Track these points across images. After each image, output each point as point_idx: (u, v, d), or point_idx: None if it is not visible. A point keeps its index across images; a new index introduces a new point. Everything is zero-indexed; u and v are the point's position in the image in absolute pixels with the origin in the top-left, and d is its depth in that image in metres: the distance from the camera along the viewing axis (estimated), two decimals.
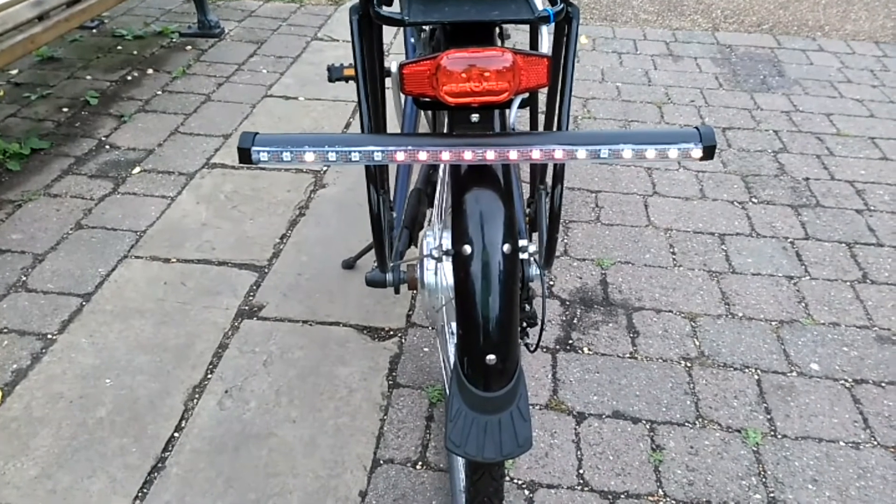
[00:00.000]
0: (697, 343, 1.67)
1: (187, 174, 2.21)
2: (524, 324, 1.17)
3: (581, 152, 0.77)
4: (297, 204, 2.08)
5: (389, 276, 1.15)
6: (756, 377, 1.58)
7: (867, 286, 1.85)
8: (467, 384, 0.85)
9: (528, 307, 1.16)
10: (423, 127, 1.70)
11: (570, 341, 1.66)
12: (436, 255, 0.97)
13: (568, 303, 1.77)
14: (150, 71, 2.88)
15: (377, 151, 0.76)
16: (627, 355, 1.63)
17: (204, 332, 1.63)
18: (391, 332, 1.65)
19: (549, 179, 1.06)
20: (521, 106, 0.94)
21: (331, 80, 1.52)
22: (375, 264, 1.08)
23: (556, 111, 0.94)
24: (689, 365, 1.61)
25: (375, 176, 0.93)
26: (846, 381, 1.57)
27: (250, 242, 1.92)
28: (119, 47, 3.08)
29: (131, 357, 1.56)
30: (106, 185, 2.14)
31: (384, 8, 0.84)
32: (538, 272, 1.12)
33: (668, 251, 1.97)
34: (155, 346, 1.59)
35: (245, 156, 0.77)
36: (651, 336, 1.69)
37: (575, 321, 1.72)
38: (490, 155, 0.77)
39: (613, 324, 1.72)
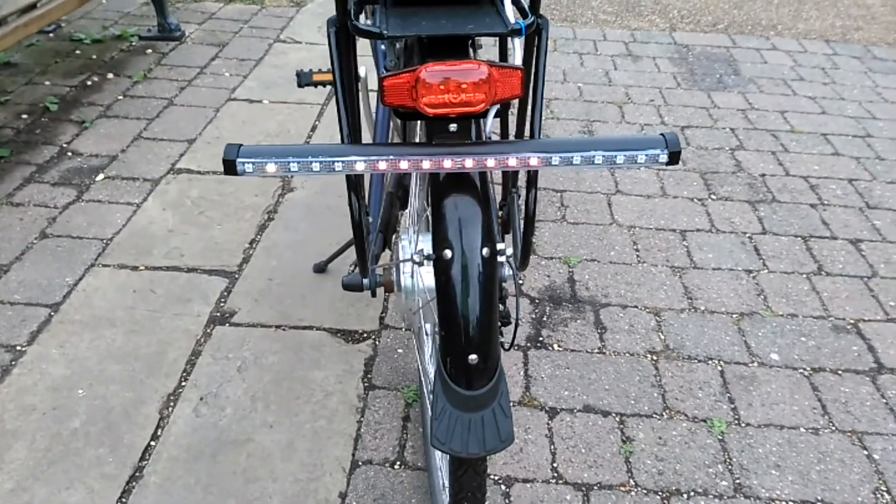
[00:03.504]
0: (662, 337, 1.72)
1: (152, 180, 2.20)
2: (498, 323, 1.20)
3: (555, 159, 0.80)
4: (266, 208, 2.09)
5: (366, 280, 1.17)
6: (719, 368, 1.63)
7: (822, 278, 1.93)
8: (451, 383, 0.88)
9: (501, 307, 1.19)
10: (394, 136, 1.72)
11: (541, 338, 1.70)
12: (416, 260, 1.00)
13: (537, 301, 1.81)
14: (110, 75, 2.84)
15: (360, 161, 0.79)
16: (596, 350, 1.67)
17: (176, 340, 1.63)
18: (365, 335, 1.67)
19: (522, 183, 1.09)
20: (497, 116, 0.97)
21: (300, 85, 1.53)
22: (352, 268, 1.10)
23: (529, 119, 0.98)
24: (655, 358, 1.66)
25: (356, 183, 0.95)
26: (805, 369, 1.64)
27: (219, 248, 1.92)
28: (77, 52, 3.03)
29: (103, 367, 1.55)
30: (69, 193, 2.12)
31: (361, 21, 0.86)
32: (511, 272, 1.16)
33: (632, 248, 2.02)
34: (127, 356, 1.58)
35: (230, 167, 0.78)
36: (618, 331, 1.73)
37: (545, 319, 1.76)
38: (469, 163, 0.80)
39: (581, 320, 1.76)
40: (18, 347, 1.59)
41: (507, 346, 1.23)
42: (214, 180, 2.21)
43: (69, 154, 2.31)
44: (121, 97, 2.68)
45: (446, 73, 0.78)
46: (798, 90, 2.99)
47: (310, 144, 0.81)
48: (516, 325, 1.11)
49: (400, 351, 1.63)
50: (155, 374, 1.54)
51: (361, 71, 1.65)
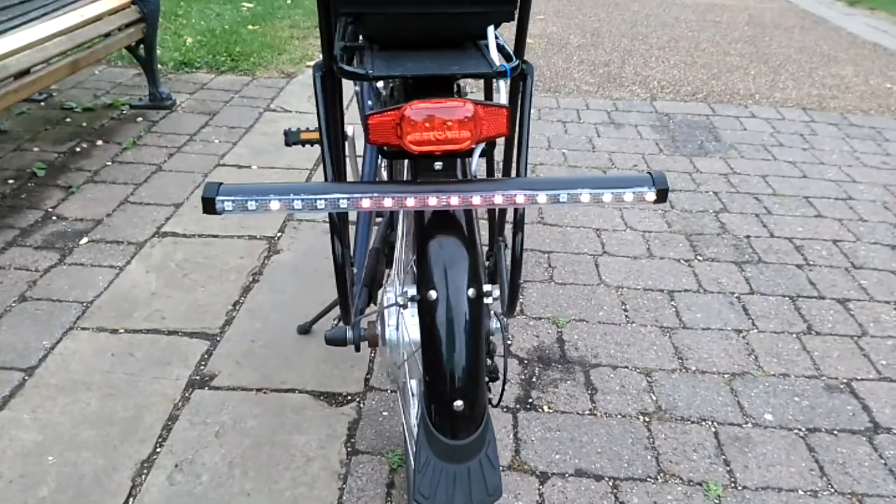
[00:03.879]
0: (654, 398, 1.68)
1: (137, 243, 2.18)
2: (486, 378, 1.17)
3: (542, 196, 0.79)
4: (251, 270, 2.07)
5: (350, 334, 1.15)
6: (713, 429, 1.59)
7: (812, 337, 1.91)
8: (435, 432, 0.84)
9: (489, 361, 1.16)
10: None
11: (530, 400, 1.66)
12: (401, 302, 0.97)
13: (526, 361, 1.78)
14: (99, 142, 2.86)
15: (343, 199, 0.78)
16: (587, 412, 1.63)
17: (153, 404, 1.58)
18: (349, 397, 1.63)
19: (508, 230, 1.08)
20: (483, 155, 0.97)
21: (287, 143, 1.54)
22: (335, 323, 1.08)
23: (515, 159, 0.98)
24: (647, 420, 1.62)
25: (339, 228, 0.94)
26: (800, 430, 1.60)
27: (202, 310, 1.89)
28: (68, 119, 3.06)
29: (76, 432, 1.49)
30: (52, 256, 2.09)
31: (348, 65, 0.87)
32: (498, 325, 1.13)
33: (621, 308, 2.00)
34: (101, 421, 1.53)
35: (209, 205, 0.77)
36: (609, 392, 1.70)
37: (534, 379, 1.72)
38: (454, 200, 0.79)
39: (572, 381, 1.73)
40: None
41: (494, 401, 1.19)
42: (200, 243, 2.19)
43: (54, 218, 2.30)
44: (109, 163, 2.69)
45: (431, 110, 0.78)
46: (778, 155, 3.05)
47: (292, 182, 0.80)
48: (504, 380, 1.08)
49: (385, 414, 1.59)
50: (129, 440, 1.48)
51: (349, 130, 1.67)
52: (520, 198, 0.79)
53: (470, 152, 0.87)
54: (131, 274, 2.03)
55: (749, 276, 2.17)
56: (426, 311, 0.86)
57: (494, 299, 0.99)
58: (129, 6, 2.97)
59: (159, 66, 3.52)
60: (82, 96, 3.31)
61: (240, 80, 3.70)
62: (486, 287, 0.91)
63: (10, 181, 2.51)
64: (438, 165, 0.87)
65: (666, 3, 6.07)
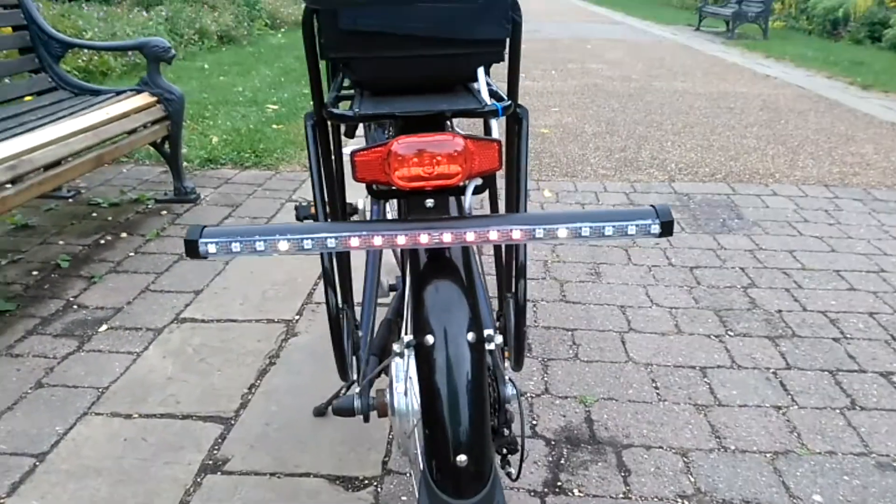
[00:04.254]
0: (692, 479, 1.58)
1: (155, 329, 2.16)
2: (504, 450, 1.10)
3: (539, 231, 0.76)
4: (268, 353, 2.03)
5: (358, 403, 1.09)
6: None
7: (857, 413, 1.80)
8: (437, 490, 0.77)
9: (506, 432, 1.09)
10: None
11: (559, 483, 1.56)
12: (397, 350, 0.92)
13: (553, 442, 1.69)
14: (123, 234, 2.90)
15: (330, 238, 0.74)
16: (621, 496, 1.53)
17: (164, 490, 1.51)
18: (366, 481, 1.54)
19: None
20: (477, 192, 0.94)
21: (298, 218, 1.53)
22: (344, 391, 1.03)
23: (514, 197, 0.94)
24: (686, 503, 1.51)
25: (332, 277, 0.91)
26: None
27: (217, 394, 1.84)
28: (94, 214, 3.12)
29: None
30: (70, 344, 2.08)
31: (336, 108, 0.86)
32: (514, 392, 1.07)
33: (651, 385, 1.92)
34: None
35: (192, 248, 0.74)
36: (643, 474, 1.60)
37: (562, 461, 1.63)
38: (447, 237, 0.75)
39: (603, 463, 1.63)
40: None
41: (514, 475, 1.12)
42: (217, 328, 2.17)
43: (75, 307, 2.30)
44: (132, 254, 2.72)
45: (419, 144, 0.75)
46: (804, 231, 3.00)
47: (279, 224, 0.77)
48: (522, 451, 1.01)
49: (404, 498, 1.50)
50: None
51: (359, 203, 1.66)
52: (516, 233, 0.75)
53: (462, 190, 0.84)
54: (148, 359, 2.00)
55: (784, 351, 2.08)
56: (423, 358, 0.81)
57: (497, 345, 0.94)
58: (155, 105, 3.08)
59: (185, 163, 3.63)
60: (109, 192, 3.39)
61: (263, 174, 3.79)
62: (488, 331, 0.86)
63: (35, 272, 2.53)
64: (430, 203, 0.84)
65: (679, 93, 6.19)
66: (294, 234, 0.74)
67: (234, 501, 1.48)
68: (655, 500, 1.52)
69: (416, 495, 0.87)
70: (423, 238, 0.75)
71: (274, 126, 4.68)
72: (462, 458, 0.77)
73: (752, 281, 2.54)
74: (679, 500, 1.52)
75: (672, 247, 2.83)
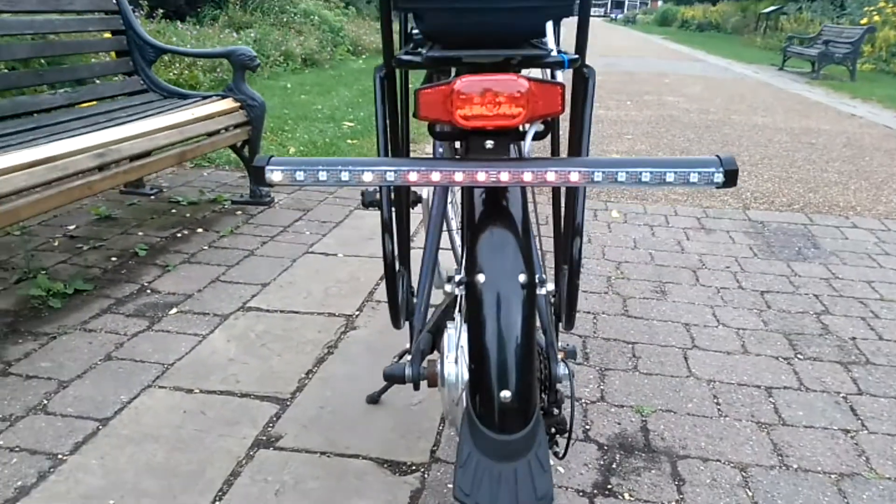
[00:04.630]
0: (750, 493, 1.51)
1: (222, 315, 2.23)
2: (553, 430, 1.09)
3: (598, 175, 0.75)
4: (327, 343, 2.06)
5: (409, 371, 1.10)
6: None
7: None
8: (479, 425, 0.77)
9: (556, 411, 1.08)
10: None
11: (609, 486, 1.52)
12: (449, 290, 0.92)
13: (606, 447, 1.65)
14: (199, 230, 3.02)
15: (390, 171, 0.76)
16: (673, 503, 1.48)
17: (217, 460, 1.55)
18: (413, 467, 1.54)
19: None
20: (537, 138, 0.93)
21: (364, 204, 1.57)
22: (395, 359, 1.04)
23: (577, 144, 0.94)
24: None
25: (390, 225, 0.92)
26: None
27: (275, 377, 1.88)
28: (173, 211, 3.26)
29: (139, 480, 1.47)
30: (141, 324, 2.16)
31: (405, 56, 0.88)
32: (566, 371, 1.06)
33: (713, 401, 1.86)
34: (165, 471, 1.50)
35: (259, 174, 0.77)
36: (698, 484, 1.54)
37: (614, 466, 1.59)
38: (504, 176, 0.75)
39: (656, 470, 1.58)
40: (60, 456, 1.54)
41: (561, 454, 1.10)
42: (281, 317, 2.22)
43: (148, 291, 2.40)
44: (206, 247, 2.82)
45: (483, 83, 0.76)
46: (884, 263, 2.87)
47: (341, 158, 0.79)
48: (570, 431, 1.00)
49: (450, 486, 1.49)
50: (189, 491, 1.45)
51: (423, 192, 1.68)
52: (574, 175, 0.75)
53: (523, 134, 0.85)
54: (213, 342, 2.07)
55: (857, 377, 1.99)
56: (473, 296, 0.81)
57: (549, 292, 0.93)
58: (238, 110, 3.22)
59: None
60: (189, 192, 3.54)
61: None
62: (540, 277, 0.85)
63: (113, 259, 2.66)
64: (489, 144, 0.84)
65: (758, 127, 6.05)
66: (356, 166, 0.77)
67: (283, 475, 1.50)
68: None
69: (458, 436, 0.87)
70: (481, 176, 0.75)
71: (349, 141, 4.81)
72: (506, 393, 0.77)
73: (825, 308, 2.44)
74: None
75: (743, 271, 2.75)
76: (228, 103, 3.20)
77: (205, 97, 3.27)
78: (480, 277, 0.81)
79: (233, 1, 9.96)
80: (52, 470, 1.50)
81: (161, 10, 8.36)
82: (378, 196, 1.56)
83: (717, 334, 2.23)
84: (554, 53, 0.86)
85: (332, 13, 11.65)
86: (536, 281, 0.84)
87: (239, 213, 3.29)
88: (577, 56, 0.87)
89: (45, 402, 1.74)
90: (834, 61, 10.72)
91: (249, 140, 3.33)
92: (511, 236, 0.84)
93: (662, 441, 1.69)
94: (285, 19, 10.11)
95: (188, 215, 3.21)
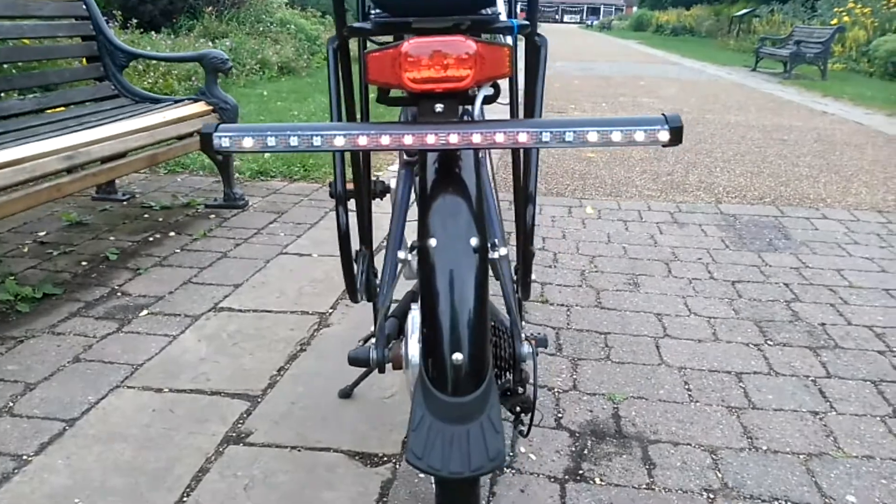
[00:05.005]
0: (720, 475, 1.52)
1: (193, 316, 2.21)
2: (517, 409, 1.09)
3: (546, 135, 0.76)
4: (300, 340, 2.05)
5: (374, 354, 1.10)
6: None
7: None
8: (431, 388, 0.77)
9: (521, 390, 1.08)
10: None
11: (581, 471, 1.53)
12: (401, 257, 0.93)
13: (577, 434, 1.66)
14: (172, 234, 3.00)
15: (339, 136, 0.76)
16: (644, 486, 1.49)
17: (185, 457, 1.53)
18: (385, 458, 1.54)
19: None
20: (487, 102, 0.94)
21: (331, 195, 1.57)
22: (360, 343, 1.04)
23: (531, 106, 0.95)
24: (711, 496, 1.46)
25: (343, 196, 0.92)
26: None
27: (246, 374, 1.87)
28: (146, 215, 3.24)
29: (105, 479, 1.45)
30: (111, 326, 2.14)
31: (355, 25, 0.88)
32: (530, 350, 1.07)
33: (684, 388, 1.87)
34: (133, 469, 1.49)
35: (206, 142, 0.77)
36: (669, 468, 1.55)
37: (585, 452, 1.60)
38: (453, 138, 0.76)
39: (627, 455, 1.59)
40: (25, 457, 1.52)
41: (525, 433, 1.10)
42: (253, 317, 2.21)
43: (118, 294, 2.38)
44: (178, 250, 2.80)
45: (431, 45, 0.77)
46: (853, 252, 2.91)
47: (290, 123, 0.79)
48: (533, 408, 1.00)
49: (421, 476, 1.49)
50: (157, 489, 1.43)
51: (392, 182, 1.68)
52: (522, 136, 0.75)
53: (472, 99, 0.85)
54: (183, 342, 2.05)
55: (825, 361, 2.01)
56: (425, 260, 0.81)
57: (502, 256, 0.93)
58: (210, 113, 3.20)
59: (237, 175, 3.74)
60: (162, 197, 3.52)
61: (311, 186, 3.87)
62: (494, 241, 0.86)
63: (84, 263, 2.63)
64: (439, 107, 0.84)
65: (731, 124, 6.12)
66: (305, 131, 0.76)
67: (252, 470, 1.49)
68: (679, 492, 1.47)
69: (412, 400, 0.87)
70: (430, 139, 0.75)
71: None
72: (458, 356, 0.77)
73: (795, 296, 2.47)
74: (704, 493, 1.46)
75: (714, 262, 2.78)
76: (201, 106, 3.18)
77: (177, 101, 3.25)
78: (432, 242, 0.82)
79: (208, 11, 9.92)
80: (16, 471, 1.47)
81: (135, 21, 8.31)
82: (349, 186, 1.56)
83: (688, 323, 2.24)
84: (503, 19, 0.86)
85: (309, 22, 11.63)
86: (489, 244, 0.85)
87: (212, 216, 3.27)
88: (527, 22, 0.88)
89: (11, 404, 1.72)
90: (805, 61, 10.88)
91: None
92: (463, 201, 0.85)
93: (634, 427, 1.70)
94: (261, 28, 10.08)
95: (161, 219, 3.19)
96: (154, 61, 6.50)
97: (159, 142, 2.82)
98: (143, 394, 1.77)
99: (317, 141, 0.77)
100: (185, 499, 1.41)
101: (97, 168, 2.43)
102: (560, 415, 1.73)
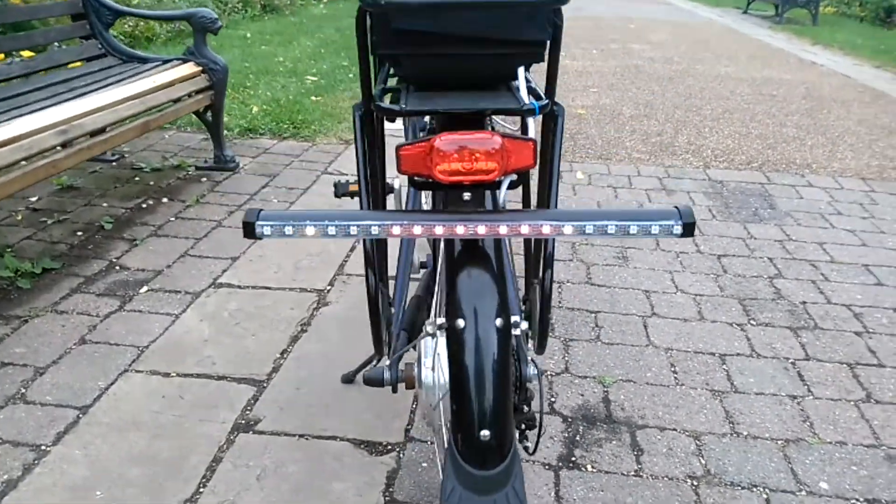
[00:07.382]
0: (703, 461, 1.63)
1: (193, 293, 2.26)
2: (523, 426, 1.16)
3: (567, 228, 0.81)
4: (300, 321, 2.11)
5: (387, 375, 1.16)
6: (764, 496, 1.53)
7: (871, 406, 1.83)
8: (461, 462, 0.84)
9: (526, 409, 1.15)
10: None
11: (574, 458, 1.62)
12: (430, 331, 0.99)
13: (570, 419, 1.75)
14: (164, 200, 3.00)
15: (374, 225, 0.80)
16: (632, 473, 1.59)
17: (198, 446, 1.61)
18: (389, 447, 1.62)
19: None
20: (511, 187, 0.99)
21: (336, 195, 1.60)
22: (375, 364, 1.10)
23: (547, 192, 1.00)
24: (695, 483, 1.56)
25: (373, 260, 0.97)
26: (858, 500, 1.52)
27: (251, 358, 1.93)
28: (137, 178, 3.23)
29: (124, 469, 1.53)
30: (112, 303, 2.18)
31: (385, 102, 0.91)
32: (535, 371, 1.13)
33: (670, 370, 1.96)
34: (148, 459, 1.56)
35: (249, 230, 0.81)
36: (655, 454, 1.65)
37: (577, 438, 1.69)
38: (481, 229, 0.81)
39: (617, 441, 1.68)
40: (43, 447, 1.58)
41: (531, 450, 1.18)
42: (252, 294, 2.26)
43: (117, 268, 2.41)
44: (172, 219, 2.82)
45: (460, 141, 0.81)
46: (836, 223, 2.99)
47: (328, 210, 0.83)
48: (540, 428, 1.07)
49: (424, 465, 1.57)
50: (174, 479, 1.51)
51: (395, 183, 1.72)
52: (546, 228, 0.80)
53: (498, 184, 0.89)
54: (186, 322, 2.10)
55: (805, 342, 2.11)
56: (453, 340, 0.87)
57: (522, 331, 1.00)
58: (199, 74, 3.16)
59: (226, 131, 3.71)
60: (152, 158, 3.50)
61: (300, 145, 3.86)
62: (515, 318, 0.92)
63: (79, 233, 2.65)
64: (467, 196, 0.89)
65: (721, 78, 6.11)
66: (342, 220, 0.81)
67: (263, 459, 1.57)
68: (665, 479, 1.57)
69: (440, 466, 0.94)
70: (460, 229, 0.81)
71: (312, 98, 4.75)
72: (486, 433, 0.84)
73: (778, 272, 2.55)
74: (689, 480, 1.57)
75: (701, 234, 2.85)
76: (190, 68, 3.14)
77: (165, 61, 3.20)
78: (460, 322, 0.87)
79: None
80: (36, 462, 1.54)
81: None
82: (351, 188, 1.59)
83: (675, 301, 2.33)
84: (526, 100, 0.90)
85: None
86: (512, 323, 0.90)
87: (204, 179, 3.27)
88: (546, 101, 0.91)
89: (24, 390, 1.77)
90: (797, 4, 10.75)
91: (212, 105, 3.29)
92: (488, 281, 0.90)
93: (623, 411, 1.79)
94: None
95: (152, 183, 3.19)
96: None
97: (151, 108, 2.80)
98: (152, 378, 1.83)
99: (353, 230, 0.81)
100: (201, 489, 1.49)
101: (90, 141, 2.42)
102: (553, 399, 1.82)
